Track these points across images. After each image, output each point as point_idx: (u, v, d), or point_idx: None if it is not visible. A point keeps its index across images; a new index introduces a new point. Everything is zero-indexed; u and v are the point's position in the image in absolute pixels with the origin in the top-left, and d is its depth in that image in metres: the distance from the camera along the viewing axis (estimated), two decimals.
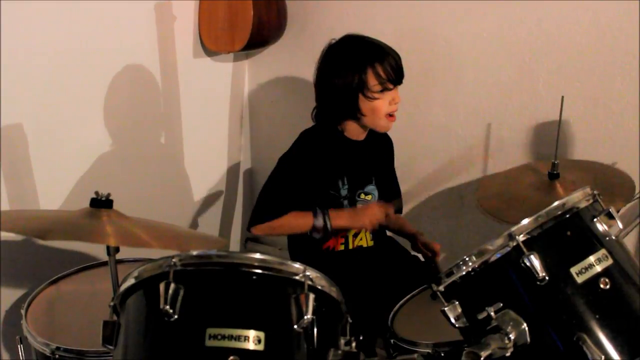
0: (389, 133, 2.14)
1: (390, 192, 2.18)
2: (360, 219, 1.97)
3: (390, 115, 1.98)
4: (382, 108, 1.95)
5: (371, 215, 1.97)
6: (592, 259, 1.29)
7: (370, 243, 2.12)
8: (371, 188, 2.10)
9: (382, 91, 1.93)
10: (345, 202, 2.04)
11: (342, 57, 1.97)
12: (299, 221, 1.96)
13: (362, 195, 2.08)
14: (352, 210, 2.01)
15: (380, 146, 2.16)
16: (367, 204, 2.04)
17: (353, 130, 2.04)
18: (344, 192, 2.04)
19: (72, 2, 2.24)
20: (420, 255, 2.16)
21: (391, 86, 1.94)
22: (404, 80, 1.99)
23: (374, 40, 1.99)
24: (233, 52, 2.77)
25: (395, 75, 1.94)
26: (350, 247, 2.09)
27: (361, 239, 2.10)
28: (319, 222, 1.94)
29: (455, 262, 1.34)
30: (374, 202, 2.03)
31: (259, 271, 1.24)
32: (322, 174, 2.00)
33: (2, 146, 2.15)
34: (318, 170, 1.98)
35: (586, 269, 1.28)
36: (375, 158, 2.13)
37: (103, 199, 1.56)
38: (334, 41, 2.02)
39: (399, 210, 2.25)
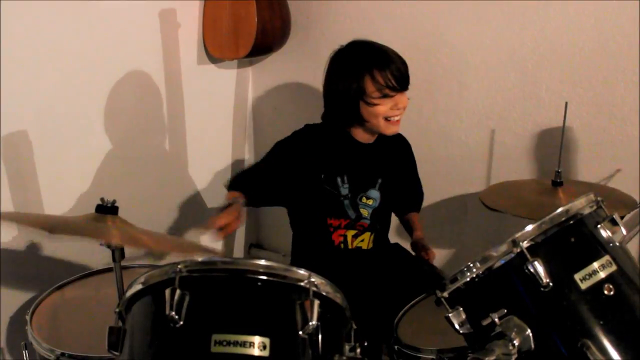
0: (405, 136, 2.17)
1: (395, 196, 2.18)
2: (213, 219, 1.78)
3: (388, 119, 1.98)
4: (381, 113, 1.96)
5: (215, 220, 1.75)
6: (596, 265, 1.29)
7: (370, 245, 2.12)
8: (374, 193, 2.09)
9: (382, 97, 1.94)
10: (346, 201, 2.05)
11: (343, 63, 1.99)
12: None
13: (364, 199, 2.08)
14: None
15: (392, 150, 2.16)
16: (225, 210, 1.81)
17: (361, 134, 2.06)
18: (344, 192, 2.04)
19: (76, 8, 2.25)
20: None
21: (391, 93, 1.94)
22: (408, 87, 1.99)
23: (380, 46, 1.99)
24: (237, 59, 2.78)
25: (396, 82, 1.93)
26: (350, 246, 2.10)
27: (362, 240, 2.11)
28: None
29: (459, 268, 1.34)
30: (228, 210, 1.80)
31: (264, 277, 1.24)
32: (313, 166, 2.00)
33: (7, 152, 2.16)
34: (309, 160, 1.99)
35: (590, 275, 1.28)
36: (384, 162, 2.13)
37: (109, 205, 1.56)
38: (341, 46, 2.03)
39: (415, 207, 2.31)
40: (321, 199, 2.03)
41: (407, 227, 2.28)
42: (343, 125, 2.05)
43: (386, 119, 1.97)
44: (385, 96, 1.93)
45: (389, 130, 2.00)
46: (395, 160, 2.18)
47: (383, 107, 1.95)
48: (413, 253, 2.17)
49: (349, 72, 1.94)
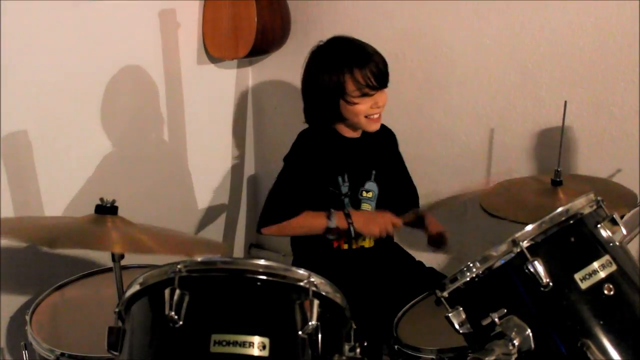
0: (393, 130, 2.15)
1: (394, 188, 2.17)
2: (371, 227, 1.97)
3: (368, 117, 1.97)
4: (361, 112, 1.95)
5: (382, 225, 1.97)
6: (596, 265, 1.29)
7: (371, 243, 2.12)
8: (371, 185, 2.09)
9: (361, 96, 1.93)
10: (346, 199, 2.05)
11: (323, 61, 1.98)
12: (311, 222, 1.97)
13: (364, 193, 2.08)
14: (365, 215, 2.02)
15: (380, 141, 2.14)
16: (382, 212, 2.02)
17: (346, 130, 2.06)
18: (344, 190, 2.04)
19: (76, 8, 2.25)
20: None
21: (371, 92, 1.93)
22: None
23: (359, 43, 1.98)
24: (237, 59, 2.78)
25: (376, 81, 1.92)
26: (353, 246, 2.10)
27: (364, 239, 2.11)
28: (333, 223, 1.95)
29: (459, 268, 1.34)
30: (388, 213, 2.01)
31: (264, 277, 1.24)
32: (322, 171, 2.01)
33: (7, 152, 2.16)
34: (318, 167, 2.00)
35: (590, 275, 1.28)
36: (374, 153, 2.12)
37: (108, 205, 1.56)
38: (321, 43, 2.02)
39: (415, 203, 2.27)
40: (325, 202, 2.02)
41: (414, 221, 2.18)
42: (327, 123, 2.05)
43: (366, 116, 1.97)
44: (365, 95, 1.93)
45: (370, 127, 2.00)
46: (384, 151, 2.17)
47: (363, 106, 1.94)
48: (416, 253, 2.17)
49: (329, 71, 1.93)
